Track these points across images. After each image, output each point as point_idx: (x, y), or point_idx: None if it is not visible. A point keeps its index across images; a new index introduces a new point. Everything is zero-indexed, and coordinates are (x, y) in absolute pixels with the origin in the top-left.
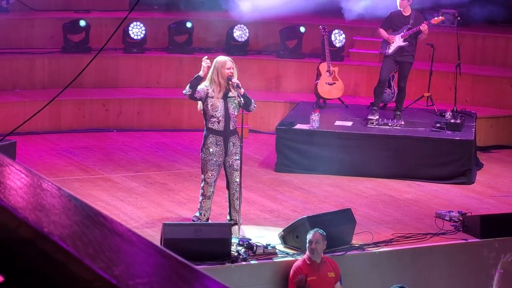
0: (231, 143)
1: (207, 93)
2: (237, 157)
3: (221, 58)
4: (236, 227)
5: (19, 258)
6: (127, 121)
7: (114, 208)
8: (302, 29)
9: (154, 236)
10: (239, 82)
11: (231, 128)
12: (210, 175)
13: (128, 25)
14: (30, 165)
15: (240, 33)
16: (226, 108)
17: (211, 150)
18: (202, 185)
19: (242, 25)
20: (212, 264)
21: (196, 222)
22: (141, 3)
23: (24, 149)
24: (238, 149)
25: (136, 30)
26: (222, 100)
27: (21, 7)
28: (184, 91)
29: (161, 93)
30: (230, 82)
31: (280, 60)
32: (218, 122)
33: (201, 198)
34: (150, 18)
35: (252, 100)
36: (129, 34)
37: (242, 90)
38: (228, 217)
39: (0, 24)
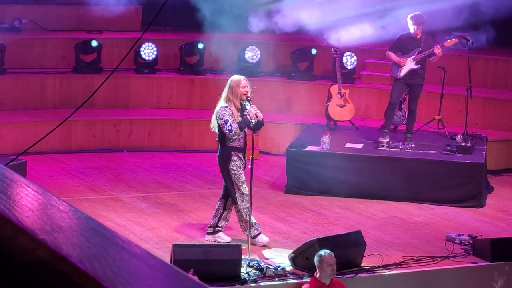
0: (245, 158)
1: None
2: (250, 167)
3: (236, 77)
4: (259, 236)
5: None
6: (137, 141)
7: (124, 228)
8: (314, 51)
9: (164, 257)
10: (258, 111)
11: (246, 144)
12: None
13: (140, 46)
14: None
15: (251, 55)
16: None
17: (237, 164)
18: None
19: (254, 47)
20: (222, 286)
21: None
22: (153, 24)
23: (34, 168)
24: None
25: (148, 51)
26: (240, 118)
27: (33, 27)
28: (228, 130)
29: (172, 114)
30: (248, 103)
31: (291, 82)
32: (239, 140)
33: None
34: (162, 39)
35: None
36: (140, 55)
37: (261, 116)
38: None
39: (13, 43)
